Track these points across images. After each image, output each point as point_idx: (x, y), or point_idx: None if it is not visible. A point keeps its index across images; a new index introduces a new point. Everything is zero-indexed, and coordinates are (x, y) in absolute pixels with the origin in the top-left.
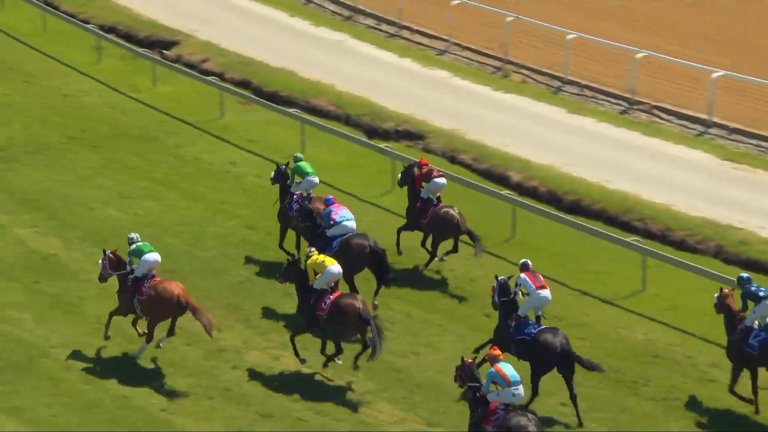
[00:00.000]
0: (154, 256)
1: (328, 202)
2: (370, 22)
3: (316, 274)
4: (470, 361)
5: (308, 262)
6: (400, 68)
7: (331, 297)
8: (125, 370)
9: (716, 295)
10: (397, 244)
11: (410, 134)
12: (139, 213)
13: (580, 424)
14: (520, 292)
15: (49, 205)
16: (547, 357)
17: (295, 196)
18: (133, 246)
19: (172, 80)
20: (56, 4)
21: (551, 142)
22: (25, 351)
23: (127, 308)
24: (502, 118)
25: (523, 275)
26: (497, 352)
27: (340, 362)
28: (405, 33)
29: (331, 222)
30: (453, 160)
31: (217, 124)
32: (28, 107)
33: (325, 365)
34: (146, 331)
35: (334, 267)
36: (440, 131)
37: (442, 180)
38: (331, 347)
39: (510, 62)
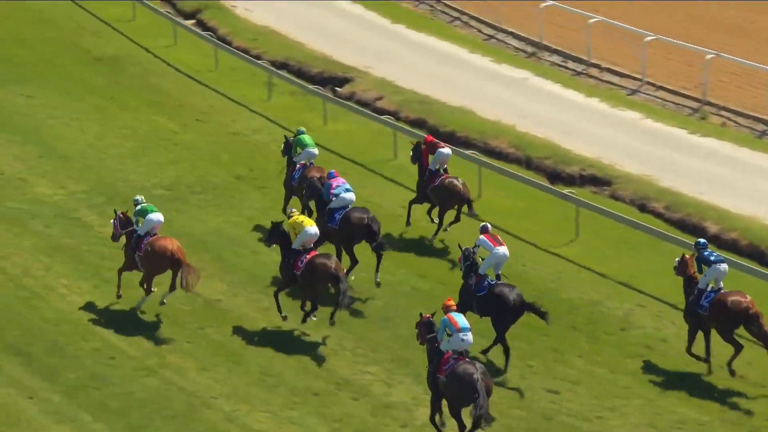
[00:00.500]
0: (157, 216)
1: (330, 176)
2: (556, 59)
3: (296, 234)
4: (428, 316)
5: (289, 221)
6: (587, 108)
7: (307, 257)
8: (288, 423)
9: (677, 259)
10: (408, 215)
11: (596, 179)
12: None
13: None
14: (478, 254)
15: (215, 247)
16: (503, 309)
17: (298, 166)
18: (138, 207)
19: (344, 118)
20: (229, 39)
21: (753, 191)
22: (187, 400)
23: (131, 264)
24: (698, 163)
25: (482, 237)
26: (450, 302)
27: (314, 318)
28: (593, 71)
29: (331, 193)
30: (643, 208)
31: (389, 165)
32: (196, 145)
33: (303, 321)
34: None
35: (311, 228)
36: (629, 177)
37: (447, 150)
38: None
39: (709, 103)
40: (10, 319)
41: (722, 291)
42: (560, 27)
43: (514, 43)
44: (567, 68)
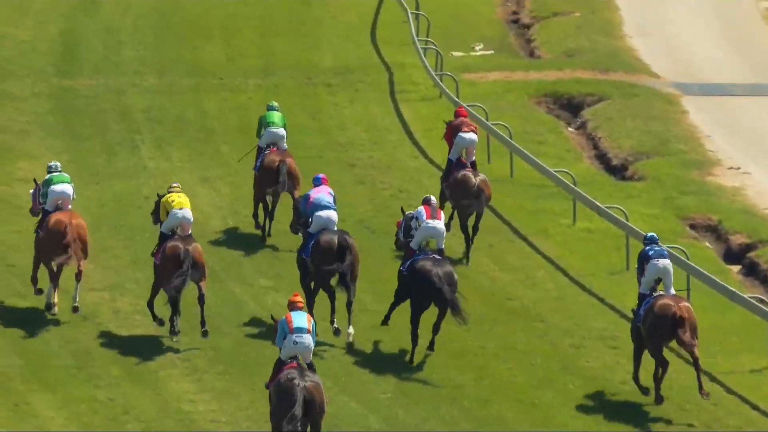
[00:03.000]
0: (61, 188)
1: (315, 182)
2: None
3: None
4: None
5: (162, 199)
6: None
7: (167, 243)
8: None
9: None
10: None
11: None
12: None
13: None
14: (416, 227)
15: None
16: (422, 287)
17: (267, 151)
18: (48, 175)
19: None
20: None
21: None
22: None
23: (38, 249)
24: None
25: (420, 208)
26: (297, 298)
27: (177, 337)
28: None
29: (308, 207)
30: None
31: None
32: None
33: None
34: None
35: (180, 211)
36: None
37: (470, 135)
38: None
39: None
40: None
41: (659, 295)
42: None
43: None
44: None
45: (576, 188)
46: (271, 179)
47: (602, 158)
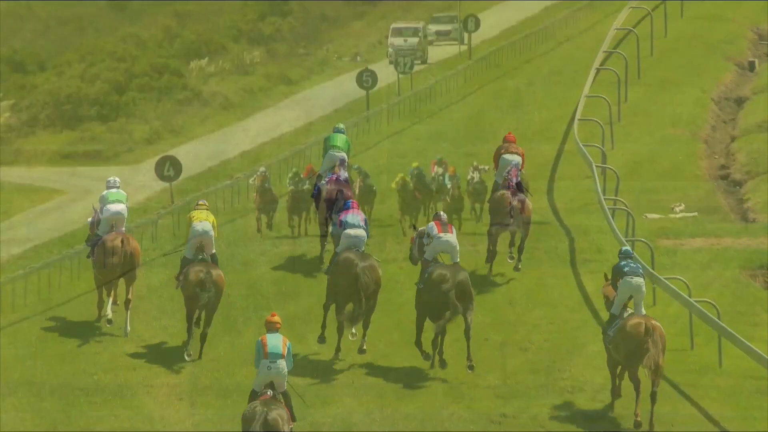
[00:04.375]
0: (116, 207)
1: (345, 207)
2: None
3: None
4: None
5: (188, 216)
6: None
7: (190, 268)
8: None
9: (603, 288)
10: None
11: None
12: None
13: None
14: (428, 243)
15: None
16: (434, 291)
17: (325, 180)
18: (105, 191)
19: None
20: None
21: None
22: None
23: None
24: None
25: (431, 223)
26: (274, 319)
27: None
28: None
29: (338, 226)
30: None
31: None
32: None
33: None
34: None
35: (198, 224)
36: None
37: (512, 156)
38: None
39: None
40: None
41: (630, 314)
42: None
43: None
44: None
45: None
46: (329, 207)
47: None
